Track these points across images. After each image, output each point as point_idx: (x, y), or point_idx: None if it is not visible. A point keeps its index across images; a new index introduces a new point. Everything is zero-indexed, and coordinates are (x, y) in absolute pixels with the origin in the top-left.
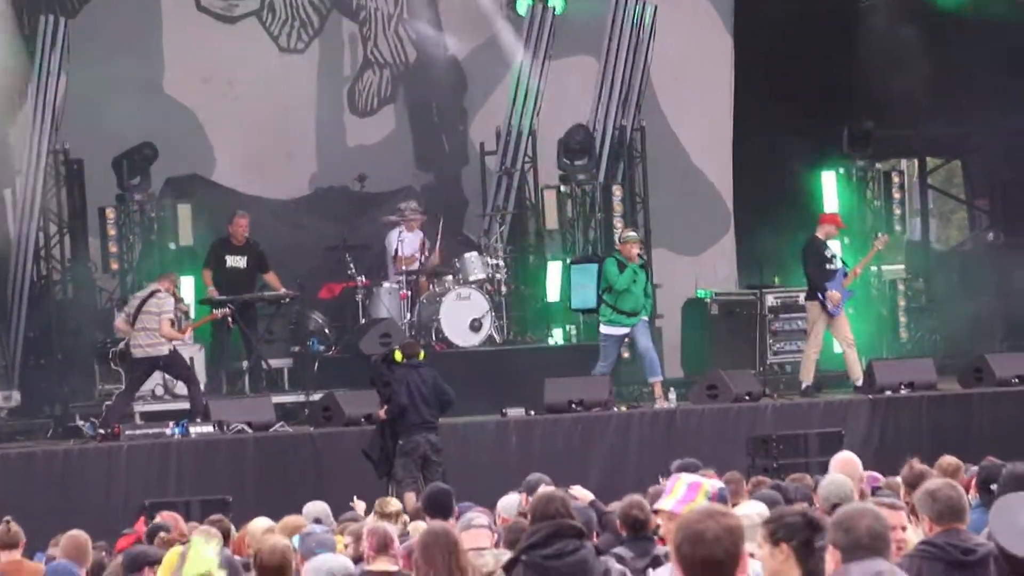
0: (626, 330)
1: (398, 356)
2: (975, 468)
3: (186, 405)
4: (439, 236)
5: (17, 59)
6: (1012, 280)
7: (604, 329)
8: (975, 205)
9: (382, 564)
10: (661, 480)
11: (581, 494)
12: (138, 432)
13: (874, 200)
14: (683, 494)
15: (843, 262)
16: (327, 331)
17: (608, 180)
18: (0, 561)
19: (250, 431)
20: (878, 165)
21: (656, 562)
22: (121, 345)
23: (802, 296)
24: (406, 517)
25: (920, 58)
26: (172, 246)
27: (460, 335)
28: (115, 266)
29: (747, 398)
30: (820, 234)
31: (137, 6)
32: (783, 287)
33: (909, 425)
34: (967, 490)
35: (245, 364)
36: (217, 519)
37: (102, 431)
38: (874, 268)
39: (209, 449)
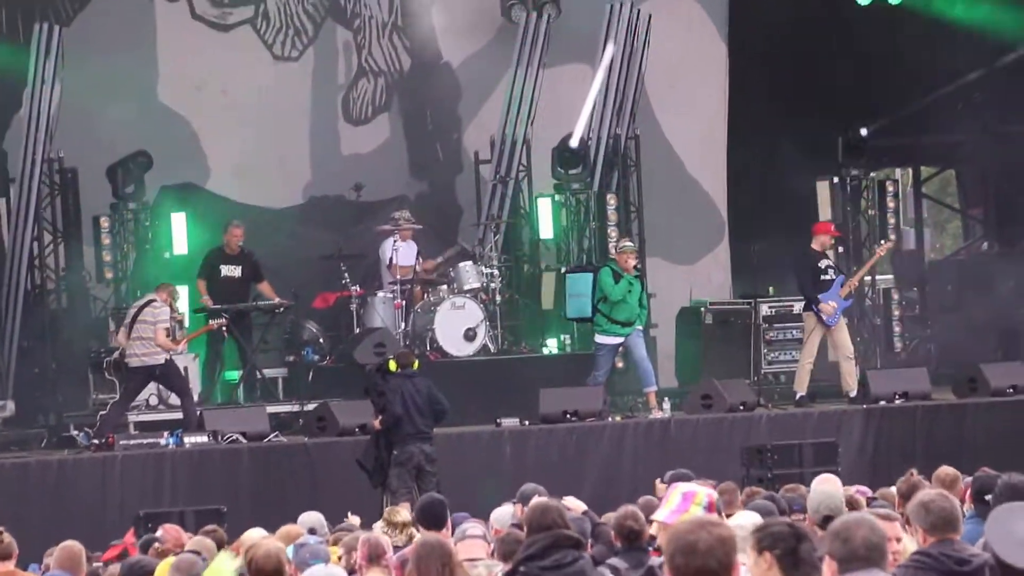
0: (620, 340)
1: (392, 366)
2: (969, 479)
3: (181, 415)
4: (444, 257)
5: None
6: (1006, 289)
7: (598, 339)
8: (969, 214)
9: (375, 575)
10: (659, 484)
11: (574, 505)
12: (132, 442)
13: (868, 209)
14: (677, 504)
15: (841, 272)
16: (321, 341)
17: (602, 189)
18: None
19: (244, 441)
20: (872, 174)
21: (651, 573)
22: (115, 355)
23: (796, 305)
24: (413, 529)
25: (914, 67)
26: (166, 255)
27: (454, 344)
28: (109, 275)
29: (741, 408)
30: (815, 245)
31: (131, 14)
32: (777, 297)
33: (903, 435)
34: (963, 501)
35: (239, 374)
36: (212, 529)
37: (96, 441)
38: (868, 278)
39: (203, 459)
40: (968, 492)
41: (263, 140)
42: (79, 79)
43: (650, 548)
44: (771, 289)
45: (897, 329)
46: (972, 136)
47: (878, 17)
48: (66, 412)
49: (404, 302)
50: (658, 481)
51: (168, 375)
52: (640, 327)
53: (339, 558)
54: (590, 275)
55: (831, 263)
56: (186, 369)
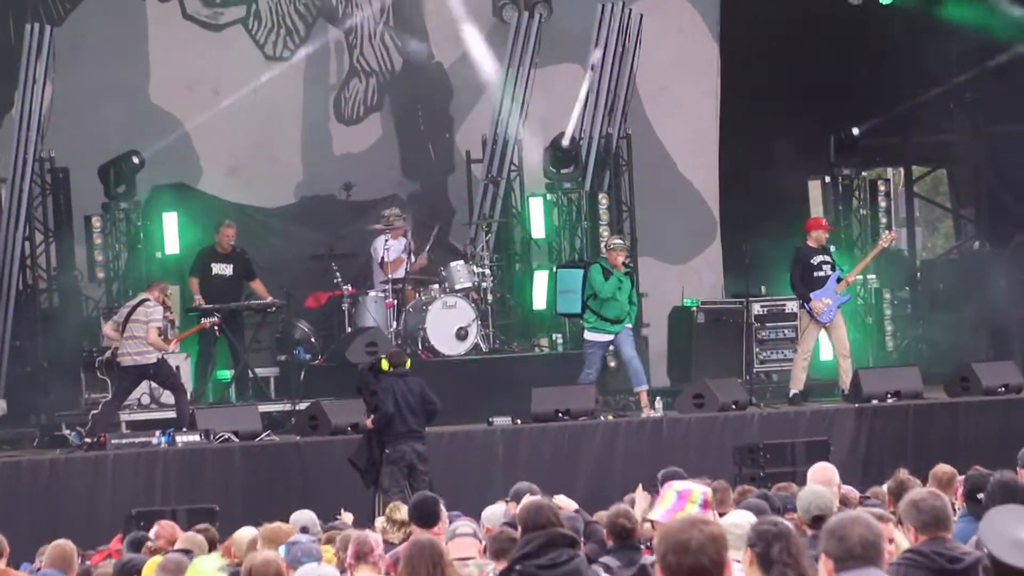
0: (610, 337)
1: (384, 365)
2: (961, 477)
3: (173, 414)
4: (429, 244)
5: None
6: (998, 289)
7: (588, 336)
8: (961, 214)
9: (365, 573)
10: (640, 491)
11: (565, 503)
12: (124, 441)
13: (860, 209)
14: (673, 503)
15: (840, 267)
16: (313, 340)
17: (594, 188)
18: None
19: (236, 440)
20: (864, 174)
21: (643, 571)
22: (107, 354)
23: (789, 304)
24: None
25: (906, 67)
26: (158, 254)
27: (446, 344)
28: (101, 274)
29: (733, 407)
30: (811, 242)
31: (123, 14)
32: (769, 296)
33: (895, 434)
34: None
35: (231, 373)
36: (204, 528)
37: (88, 440)
38: (859, 277)
39: (195, 458)
40: (960, 490)
41: (255, 140)
42: (71, 79)
43: (642, 546)
44: (763, 288)
45: (889, 328)
46: (963, 136)
47: (870, 17)
48: (58, 411)
49: (396, 301)
50: (640, 488)
51: (160, 374)
52: (630, 325)
53: (335, 555)
54: (580, 271)
55: (827, 259)
56: (178, 368)
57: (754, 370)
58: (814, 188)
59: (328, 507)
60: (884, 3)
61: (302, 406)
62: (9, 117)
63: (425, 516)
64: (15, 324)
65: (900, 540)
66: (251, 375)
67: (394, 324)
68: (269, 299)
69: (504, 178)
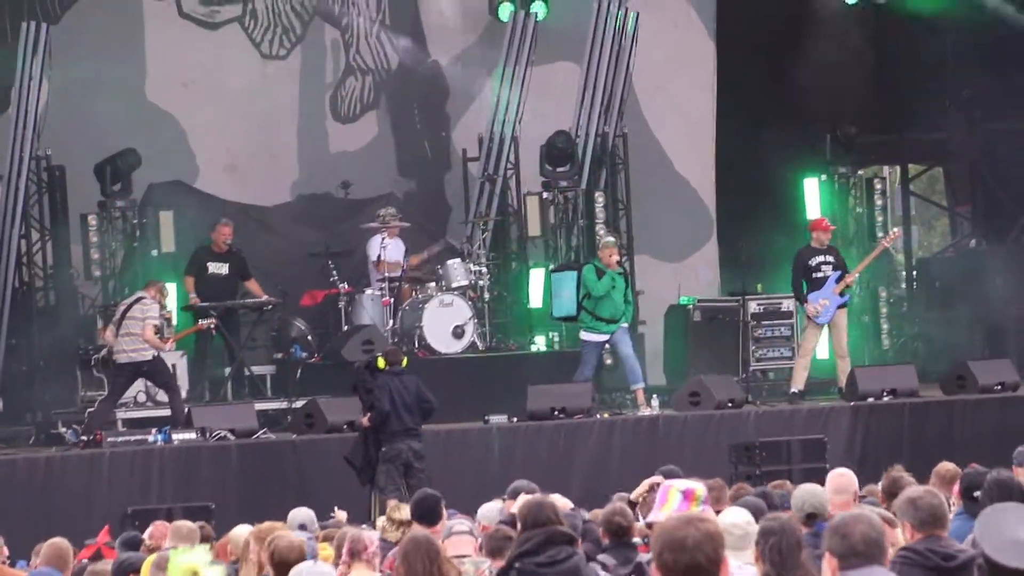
0: (605, 337)
1: (381, 363)
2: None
3: (169, 412)
4: (429, 253)
5: None
6: (994, 286)
7: (584, 336)
8: (957, 212)
9: (360, 571)
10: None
11: (560, 503)
12: (120, 439)
13: (856, 207)
14: (678, 504)
15: (839, 268)
16: (309, 338)
17: (590, 187)
18: None
19: (232, 438)
20: (860, 172)
21: (639, 569)
22: (104, 352)
23: (785, 303)
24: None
25: (901, 64)
26: (154, 253)
27: (442, 342)
28: (97, 273)
29: (730, 405)
30: (813, 242)
31: (119, 12)
32: (766, 294)
33: (891, 432)
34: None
35: (227, 371)
36: (199, 526)
37: (84, 438)
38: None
39: (192, 456)
40: (957, 488)
41: (251, 138)
42: (67, 77)
43: (637, 544)
44: (759, 286)
45: (885, 326)
46: (959, 133)
47: (866, 15)
48: (54, 409)
49: (392, 299)
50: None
51: (156, 372)
52: (626, 324)
53: (336, 552)
54: (574, 273)
55: (828, 259)
56: (174, 366)
57: (750, 368)
58: (810, 186)
59: (324, 505)
60: (880, 1)
61: (298, 404)
62: (5, 115)
63: (427, 514)
64: (11, 322)
65: (899, 540)
66: (247, 373)
67: (390, 322)
68: (265, 298)
69: (500, 176)
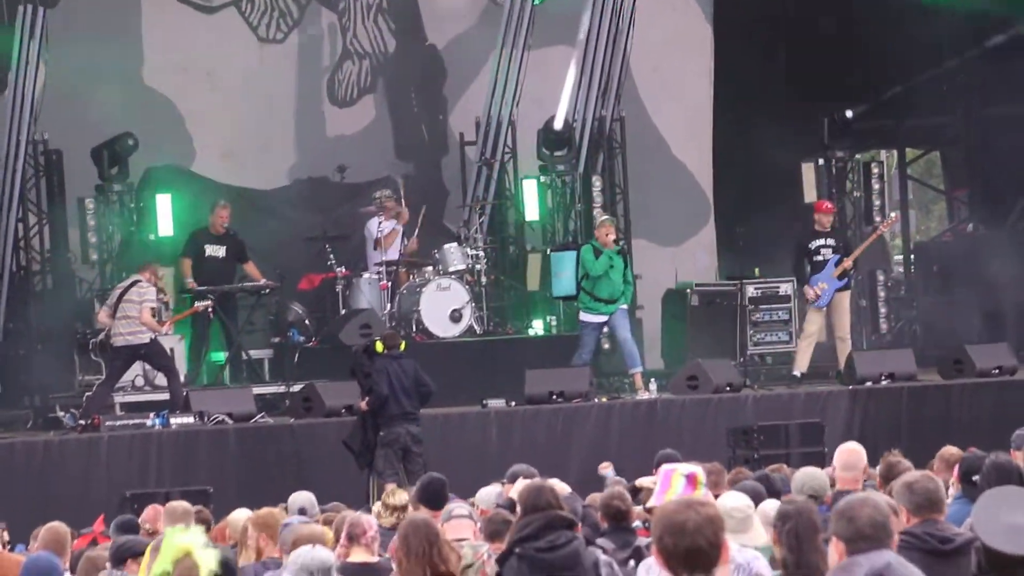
0: (604, 318)
1: (379, 347)
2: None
3: (167, 396)
4: (418, 226)
5: None
6: (991, 271)
7: (582, 316)
8: (954, 196)
9: (359, 555)
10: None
11: (558, 487)
12: (118, 423)
13: (854, 191)
14: (682, 489)
15: (839, 251)
16: (307, 322)
17: (588, 171)
18: None
19: (231, 422)
20: (858, 156)
21: (637, 553)
22: (101, 336)
23: (783, 287)
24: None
25: (899, 49)
26: (151, 236)
27: (440, 326)
28: (94, 256)
29: (727, 389)
30: (816, 225)
31: None
32: (763, 278)
33: (889, 416)
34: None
35: (225, 355)
36: (197, 510)
37: (82, 422)
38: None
39: (190, 440)
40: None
41: (248, 122)
42: (64, 61)
43: (636, 528)
44: (756, 270)
45: (883, 310)
46: (956, 118)
47: None
48: (52, 393)
49: (390, 283)
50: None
51: (153, 355)
52: (625, 305)
53: (335, 536)
54: (573, 253)
55: (828, 243)
56: (172, 350)
57: (748, 352)
58: (807, 170)
59: (323, 489)
60: None
61: (296, 388)
62: (2, 99)
63: (433, 497)
64: (8, 306)
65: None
66: (245, 357)
67: (388, 306)
68: (263, 281)
69: (498, 160)
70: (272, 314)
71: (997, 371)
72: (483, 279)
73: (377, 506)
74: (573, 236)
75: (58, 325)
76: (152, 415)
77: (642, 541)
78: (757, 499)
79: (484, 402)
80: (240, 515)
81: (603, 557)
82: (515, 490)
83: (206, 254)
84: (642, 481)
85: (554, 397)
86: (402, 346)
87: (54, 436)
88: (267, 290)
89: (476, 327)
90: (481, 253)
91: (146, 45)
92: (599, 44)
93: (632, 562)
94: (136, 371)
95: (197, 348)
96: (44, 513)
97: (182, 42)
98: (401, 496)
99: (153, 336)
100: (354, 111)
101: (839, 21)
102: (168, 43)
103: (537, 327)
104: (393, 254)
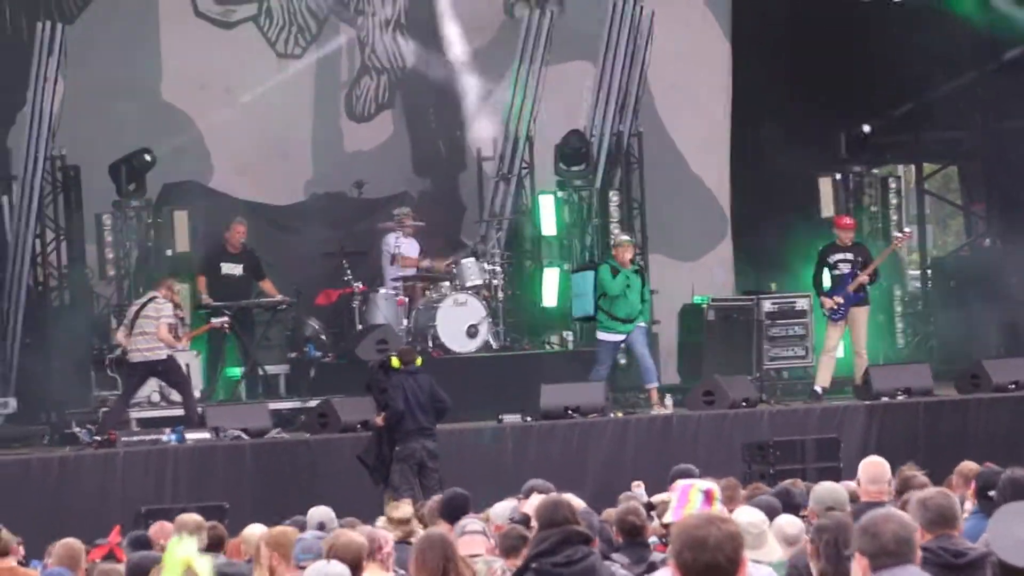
0: (621, 337)
1: (395, 362)
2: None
3: (182, 411)
4: (453, 261)
5: None
6: (1009, 286)
7: (600, 335)
8: (972, 211)
9: (374, 571)
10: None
11: (574, 502)
12: (134, 439)
13: (871, 206)
14: (700, 505)
15: (857, 266)
16: (324, 337)
17: (605, 186)
18: None
19: (246, 438)
20: (875, 171)
21: (652, 569)
22: (118, 352)
23: (800, 302)
24: (415, 524)
25: (917, 63)
26: (169, 252)
27: (457, 341)
28: (112, 272)
29: (744, 404)
30: (838, 240)
31: (134, 12)
32: (780, 293)
33: (906, 431)
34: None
35: (241, 371)
36: (212, 526)
37: (98, 438)
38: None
39: (205, 456)
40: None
41: (266, 137)
42: (82, 77)
43: (651, 543)
44: (773, 285)
45: (900, 325)
46: (974, 132)
47: (880, 13)
48: (68, 409)
49: (406, 299)
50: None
51: (169, 371)
52: (642, 323)
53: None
54: (591, 273)
55: (847, 257)
56: (188, 366)
57: (764, 367)
58: (825, 185)
59: (338, 505)
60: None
61: (312, 403)
62: (21, 115)
63: (456, 512)
64: (26, 321)
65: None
66: (261, 372)
67: (405, 321)
68: (279, 297)
69: (515, 175)
70: (289, 329)
71: (1014, 386)
72: (500, 294)
73: (381, 520)
74: (590, 251)
75: (75, 341)
76: (168, 431)
77: (657, 557)
78: (771, 515)
79: (500, 417)
80: (255, 531)
81: (621, 572)
82: (530, 505)
83: (222, 272)
84: (657, 497)
85: (570, 412)
86: (418, 361)
87: (70, 452)
88: (283, 306)
89: (492, 342)
90: (498, 268)
91: (164, 61)
92: (617, 60)
93: None
94: (152, 387)
95: (213, 364)
96: (59, 529)
97: (200, 58)
98: (405, 509)
99: (169, 353)
100: (372, 126)
101: (856, 36)
102: (186, 59)
103: (553, 342)
104: (411, 265)
